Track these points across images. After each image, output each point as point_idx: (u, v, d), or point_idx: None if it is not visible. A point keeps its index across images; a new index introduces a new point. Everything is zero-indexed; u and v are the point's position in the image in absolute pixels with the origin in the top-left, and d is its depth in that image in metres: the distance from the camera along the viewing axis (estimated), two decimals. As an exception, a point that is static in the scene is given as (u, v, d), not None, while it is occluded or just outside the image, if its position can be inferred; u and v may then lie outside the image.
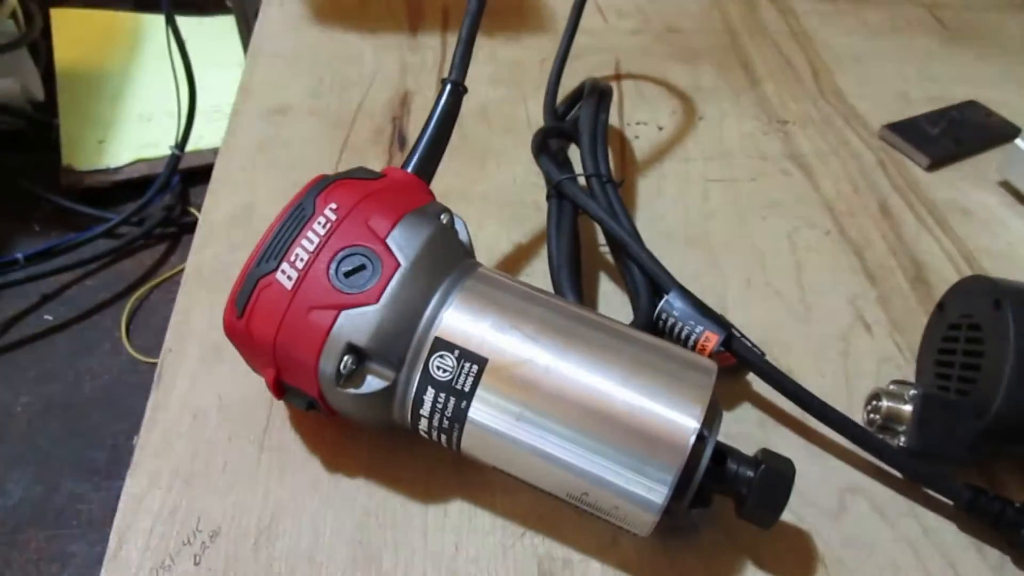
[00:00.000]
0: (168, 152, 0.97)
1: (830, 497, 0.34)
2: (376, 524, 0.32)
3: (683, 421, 0.27)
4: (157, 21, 0.97)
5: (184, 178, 1.10)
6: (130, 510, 0.31)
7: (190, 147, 1.00)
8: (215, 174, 0.46)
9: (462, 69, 0.37)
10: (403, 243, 0.30)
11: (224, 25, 1.16)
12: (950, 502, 0.33)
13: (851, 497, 0.34)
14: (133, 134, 1.04)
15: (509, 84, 0.54)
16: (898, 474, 0.34)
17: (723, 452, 0.30)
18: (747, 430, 0.36)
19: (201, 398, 0.35)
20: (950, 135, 0.51)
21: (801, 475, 0.34)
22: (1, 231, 0.93)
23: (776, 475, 0.29)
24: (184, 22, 0.97)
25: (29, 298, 0.92)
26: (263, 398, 0.35)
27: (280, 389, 0.31)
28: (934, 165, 0.50)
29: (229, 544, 0.31)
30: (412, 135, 0.49)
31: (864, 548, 0.32)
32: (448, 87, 0.37)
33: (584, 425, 0.28)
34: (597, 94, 0.45)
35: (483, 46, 0.58)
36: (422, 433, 0.31)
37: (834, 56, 0.60)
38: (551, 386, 0.28)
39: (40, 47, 1.08)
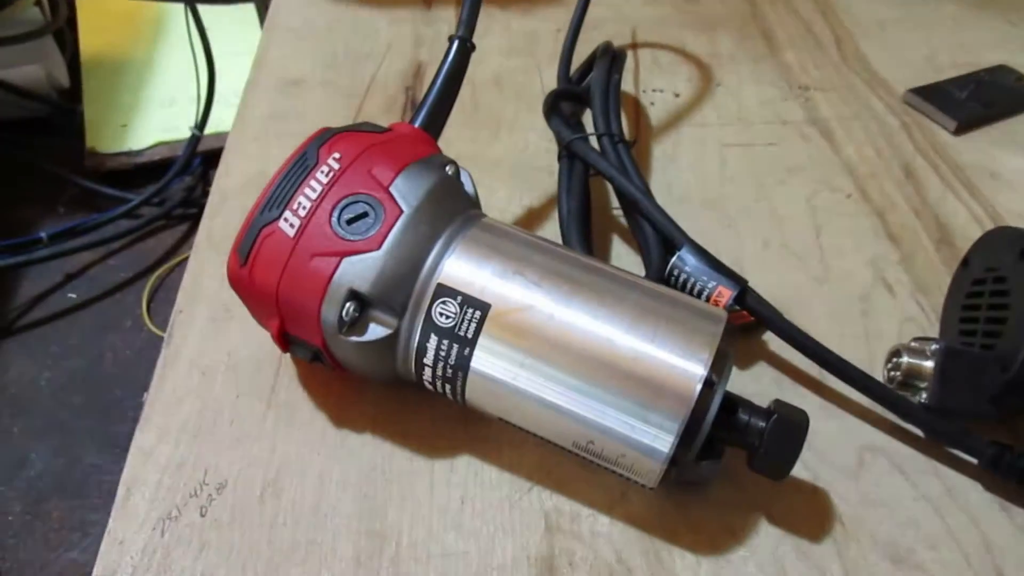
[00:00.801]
0: (188, 135, 0.99)
1: (848, 455, 0.33)
2: (382, 478, 0.31)
3: (689, 367, 0.27)
4: (179, 8, 0.99)
5: (204, 160, 1.11)
6: (138, 462, 0.32)
7: (210, 130, 1.02)
8: (228, 143, 0.46)
9: (469, 25, 0.37)
10: (406, 191, 0.29)
11: (245, 12, 1.18)
12: (974, 460, 0.32)
13: (870, 455, 0.33)
14: (155, 118, 1.06)
15: (524, 54, 0.54)
16: (919, 432, 0.33)
17: (733, 402, 0.29)
18: (763, 389, 0.35)
19: (210, 357, 0.35)
20: (978, 99, 0.49)
21: (818, 433, 0.33)
22: (27, 213, 0.96)
23: (789, 425, 0.28)
24: (206, 9, 0.99)
25: (53, 277, 0.94)
26: (271, 356, 0.35)
27: (285, 341, 0.31)
28: (961, 129, 0.48)
29: (235, 496, 0.31)
30: (425, 105, 0.49)
31: (884, 507, 0.31)
32: (455, 43, 0.36)
33: (588, 372, 0.27)
34: (610, 56, 0.45)
35: (498, 18, 0.57)
36: (426, 384, 0.30)
37: (858, 23, 0.58)
38: (554, 332, 0.28)
39: (66, 35, 1.10)
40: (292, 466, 0.32)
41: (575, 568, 0.29)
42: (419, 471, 0.32)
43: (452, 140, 0.46)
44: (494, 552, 0.29)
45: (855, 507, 0.31)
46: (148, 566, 0.29)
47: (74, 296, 0.90)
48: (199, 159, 1.13)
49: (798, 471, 0.32)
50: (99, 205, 1.00)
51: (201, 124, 1.00)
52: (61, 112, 1.07)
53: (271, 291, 0.29)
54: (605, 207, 0.43)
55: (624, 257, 0.40)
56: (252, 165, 0.45)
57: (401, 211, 0.29)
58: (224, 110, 1.05)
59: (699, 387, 0.26)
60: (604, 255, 0.41)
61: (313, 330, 0.29)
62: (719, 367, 0.28)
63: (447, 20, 0.57)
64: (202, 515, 0.30)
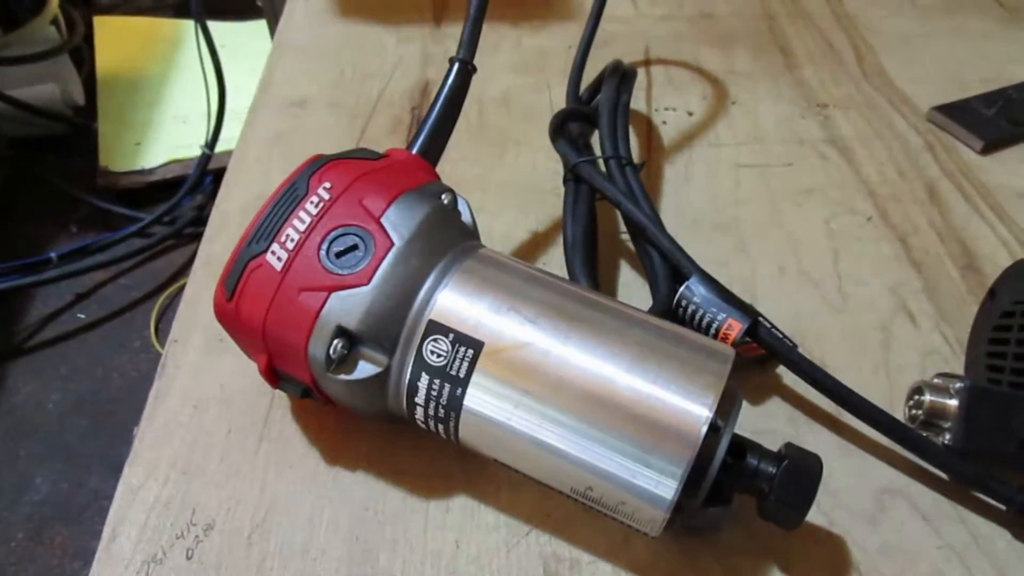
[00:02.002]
0: (199, 153, 0.99)
1: (866, 499, 0.31)
2: (374, 519, 0.30)
3: (694, 409, 0.25)
4: (189, 25, 0.99)
5: (215, 179, 1.10)
6: (126, 501, 0.31)
7: (221, 148, 1.02)
8: (230, 165, 0.45)
9: (470, 47, 0.36)
10: (398, 222, 0.28)
11: (257, 29, 1.18)
12: (1002, 506, 0.30)
13: (890, 499, 0.31)
14: (168, 136, 1.07)
15: (534, 72, 0.53)
16: (943, 475, 0.31)
17: (742, 445, 0.28)
18: (776, 426, 0.33)
19: (203, 389, 0.34)
20: (1006, 116, 0.47)
21: (834, 475, 0.32)
22: (39, 233, 0.96)
23: (800, 471, 0.27)
24: (219, 27, 1.00)
25: (63, 297, 0.94)
26: (265, 389, 0.34)
27: (274, 376, 0.30)
28: (988, 148, 0.46)
29: (223, 538, 0.29)
30: (431, 125, 0.48)
31: (904, 555, 0.29)
32: (456, 66, 0.35)
33: (586, 413, 0.26)
34: (619, 75, 0.43)
35: (508, 36, 0.56)
36: (419, 423, 0.29)
37: (880, 38, 0.56)
38: (551, 371, 0.26)
39: (84, 53, 1.11)
40: (282, 505, 0.30)
41: (573, 620, 0.27)
42: (413, 512, 0.30)
43: (456, 161, 0.45)
44: (489, 601, 0.28)
45: (873, 556, 0.29)
46: (131, 611, 0.28)
47: (83, 316, 0.90)
48: (210, 177, 1.13)
49: (813, 516, 0.30)
50: (111, 223, 1.00)
51: (212, 142, 1.00)
52: (76, 130, 1.07)
53: (258, 326, 0.28)
54: (614, 232, 0.41)
55: (632, 284, 0.39)
56: (253, 188, 0.44)
57: (392, 243, 0.28)
58: (236, 127, 1.03)
59: (704, 430, 0.25)
60: (611, 282, 0.39)
61: (301, 367, 0.28)
62: (726, 409, 0.26)
63: (455, 37, 0.55)
64: (188, 558, 0.29)
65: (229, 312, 0.29)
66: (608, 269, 0.40)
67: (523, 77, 0.52)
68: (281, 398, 0.34)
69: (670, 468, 0.25)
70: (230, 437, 0.33)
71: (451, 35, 0.56)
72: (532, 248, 0.41)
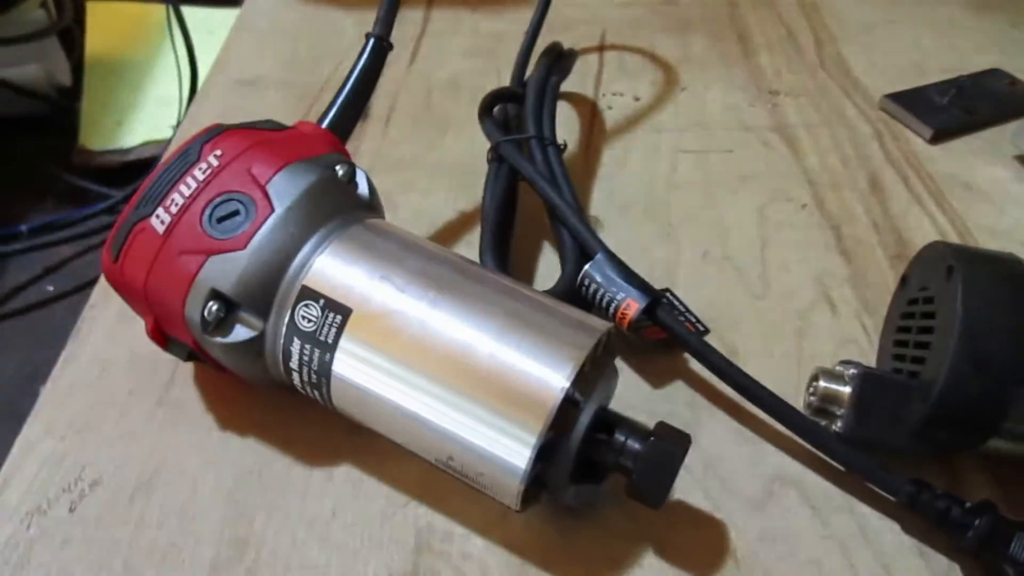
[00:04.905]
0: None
1: (755, 486, 0.30)
2: (256, 484, 0.30)
3: (550, 379, 0.25)
4: (186, 12, 1.01)
5: (188, 158, 1.11)
6: (21, 455, 0.31)
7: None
8: (173, 140, 0.46)
9: (386, 24, 0.36)
10: (282, 190, 0.29)
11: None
12: (891, 497, 0.29)
13: (780, 487, 0.30)
14: (149, 117, 1.09)
15: (486, 56, 0.53)
16: (836, 463, 0.31)
17: (611, 421, 0.27)
18: (677, 410, 0.33)
19: (112, 352, 0.35)
20: (960, 105, 0.46)
21: (727, 460, 0.31)
22: (16, 209, 0.99)
23: (662, 449, 0.26)
24: (208, 12, 1.01)
25: (33, 269, 0.97)
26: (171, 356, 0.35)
27: (161, 337, 0.30)
28: (938, 137, 0.45)
29: (107, 494, 0.30)
30: (377, 107, 0.48)
31: (785, 543, 0.29)
32: (371, 42, 0.36)
33: (447, 381, 0.26)
34: (553, 56, 0.43)
35: (466, 19, 0.56)
36: (299, 390, 0.29)
37: (844, 26, 0.55)
38: (415, 339, 0.26)
39: (75, 36, 1.14)
40: (170, 467, 0.31)
41: (435, 590, 0.27)
42: (296, 479, 0.31)
43: (397, 142, 0.46)
44: (355, 567, 0.28)
45: (753, 543, 0.29)
46: (7, 559, 0.28)
47: (51, 289, 0.92)
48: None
49: (698, 501, 0.30)
50: (88, 201, 1.01)
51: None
52: (59, 110, 1.11)
53: (140, 288, 0.29)
54: (540, 214, 0.41)
55: (550, 267, 0.39)
56: (195, 163, 0.45)
57: (272, 210, 0.28)
58: None
59: (559, 398, 0.25)
60: (530, 265, 0.39)
61: (182, 329, 0.29)
62: (590, 380, 0.26)
63: (414, 21, 0.56)
64: (71, 510, 0.30)
65: (115, 273, 0.29)
66: (529, 250, 0.40)
67: (475, 61, 0.52)
68: (186, 367, 0.34)
69: (524, 436, 0.25)
70: (129, 398, 0.33)
71: (409, 19, 0.56)
72: (458, 227, 0.41)
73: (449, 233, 0.41)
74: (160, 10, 1.05)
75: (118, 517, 0.29)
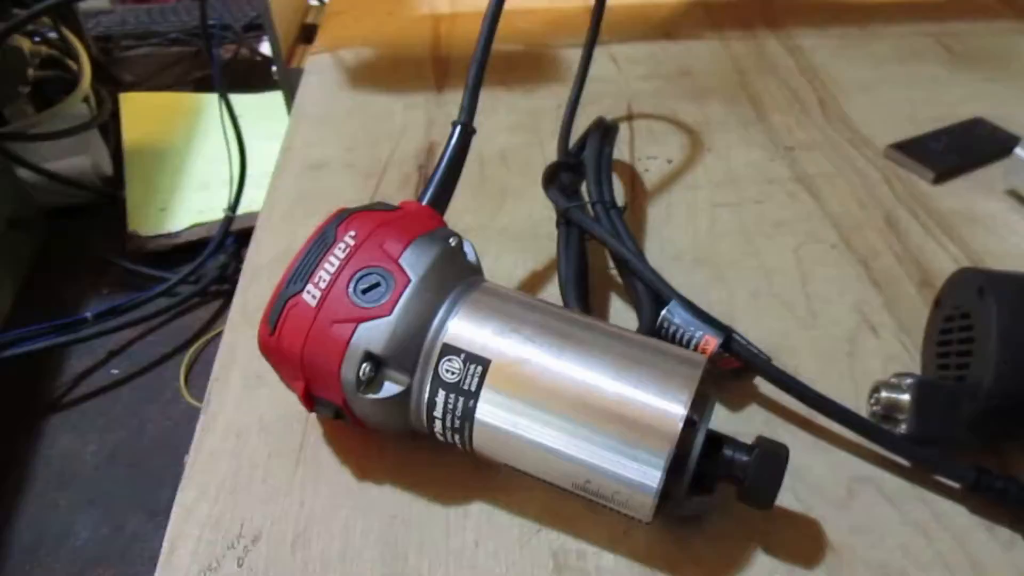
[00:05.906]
0: (222, 215, 1.06)
1: (838, 487, 0.35)
2: (402, 525, 0.34)
3: (671, 407, 0.29)
4: (213, 100, 1.08)
5: (237, 239, 1.19)
6: (181, 519, 0.35)
7: (242, 210, 1.10)
8: (258, 223, 0.50)
9: (469, 112, 0.41)
10: (413, 262, 0.33)
11: (274, 100, 1.27)
12: (957, 484, 0.34)
13: (859, 486, 0.35)
14: (192, 201, 1.15)
15: (527, 131, 0.59)
16: (904, 462, 0.35)
17: (719, 439, 0.32)
18: (754, 429, 0.37)
19: (244, 420, 0.39)
20: (954, 150, 0.53)
21: (809, 468, 0.36)
22: (74, 294, 1.03)
23: (770, 457, 0.31)
24: (238, 99, 1.08)
25: (97, 354, 1.01)
26: (299, 417, 0.38)
27: (310, 400, 0.34)
28: (940, 178, 0.51)
29: (269, 547, 0.33)
30: (437, 181, 0.53)
31: (873, 533, 0.33)
32: (457, 129, 0.41)
33: (580, 417, 0.30)
34: (602, 130, 0.49)
35: (503, 99, 0.62)
36: (438, 436, 0.33)
37: (841, 87, 0.62)
38: (548, 382, 0.31)
39: (110, 127, 1.20)
40: (319, 518, 0.34)
41: (580, 602, 0.31)
42: (435, 517, 0.34)
43: (461, 212, 0.51)
44: (505, 590, 0.32)
45: (845, 535, 0.33)
46: (191, 613, 0.31)
47: (116, 372, 0.96)
48: (232, 238, 1.21)
49: (791, 503, 0.34)
50: (140, 284, 1.07)
51: (234, 205, 1.08)
52: (105, 198, 1.16)
53: (297, 356, 0.33)
54: (603, 267, 0.46)
55: (621, 312, 0.44)
56: (280, 243, 0.49)
57: (409, 280, 0.33)
58: (254, 191, 1.13)
59: (680, 424, 0.29)
60: (603, 311, 0.44)
61: (334, 389, 0.33)
62: (700, 406, 0.30)
63: (456, 102, 0.60)
64: (239, 566, 0.33)
65: (271, 345, 0.33)
66: (600, 299, 0.44)
67: (518, 135, 0.58)
68: (314, 425, 0.38)
69: (654, 459, 0.29)
70: (270, 460, 0.37)
71: (452, 100, 0.62)
72: (530, 286, 0.46)
73: (524, 289, 0.45)
74: (190, 99, 1.11)
75: (284, 568, 0.33)
